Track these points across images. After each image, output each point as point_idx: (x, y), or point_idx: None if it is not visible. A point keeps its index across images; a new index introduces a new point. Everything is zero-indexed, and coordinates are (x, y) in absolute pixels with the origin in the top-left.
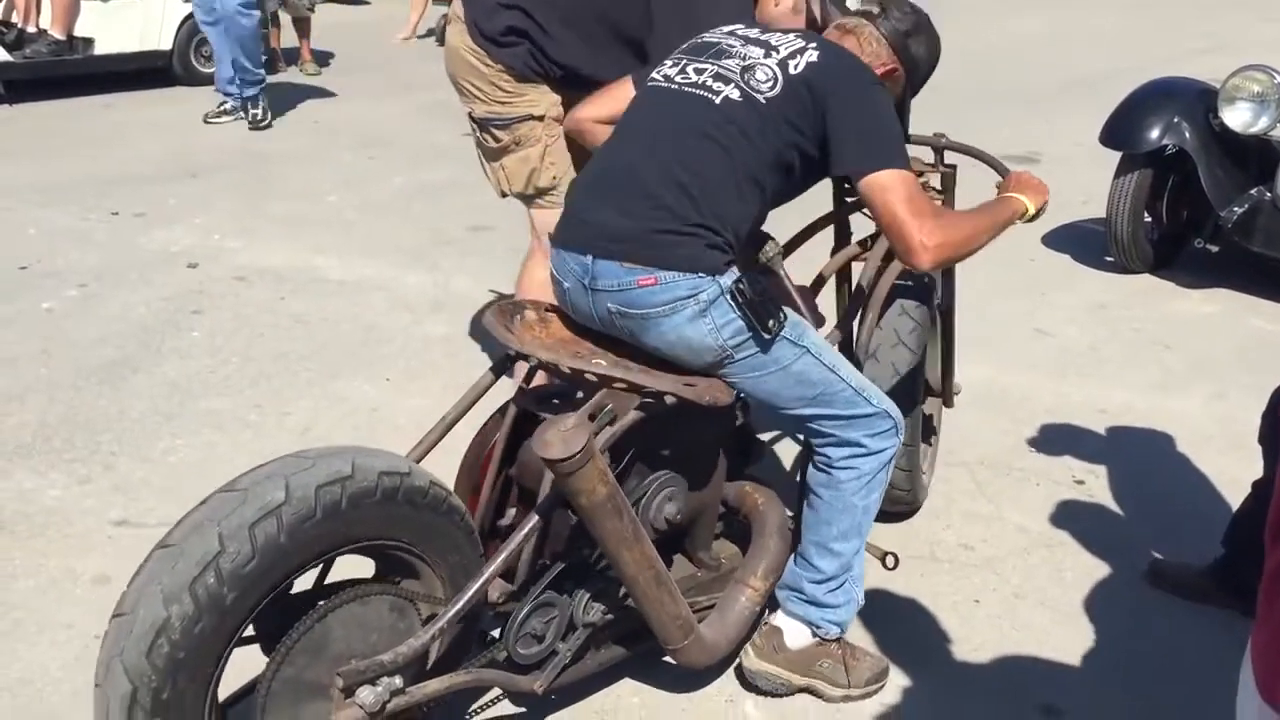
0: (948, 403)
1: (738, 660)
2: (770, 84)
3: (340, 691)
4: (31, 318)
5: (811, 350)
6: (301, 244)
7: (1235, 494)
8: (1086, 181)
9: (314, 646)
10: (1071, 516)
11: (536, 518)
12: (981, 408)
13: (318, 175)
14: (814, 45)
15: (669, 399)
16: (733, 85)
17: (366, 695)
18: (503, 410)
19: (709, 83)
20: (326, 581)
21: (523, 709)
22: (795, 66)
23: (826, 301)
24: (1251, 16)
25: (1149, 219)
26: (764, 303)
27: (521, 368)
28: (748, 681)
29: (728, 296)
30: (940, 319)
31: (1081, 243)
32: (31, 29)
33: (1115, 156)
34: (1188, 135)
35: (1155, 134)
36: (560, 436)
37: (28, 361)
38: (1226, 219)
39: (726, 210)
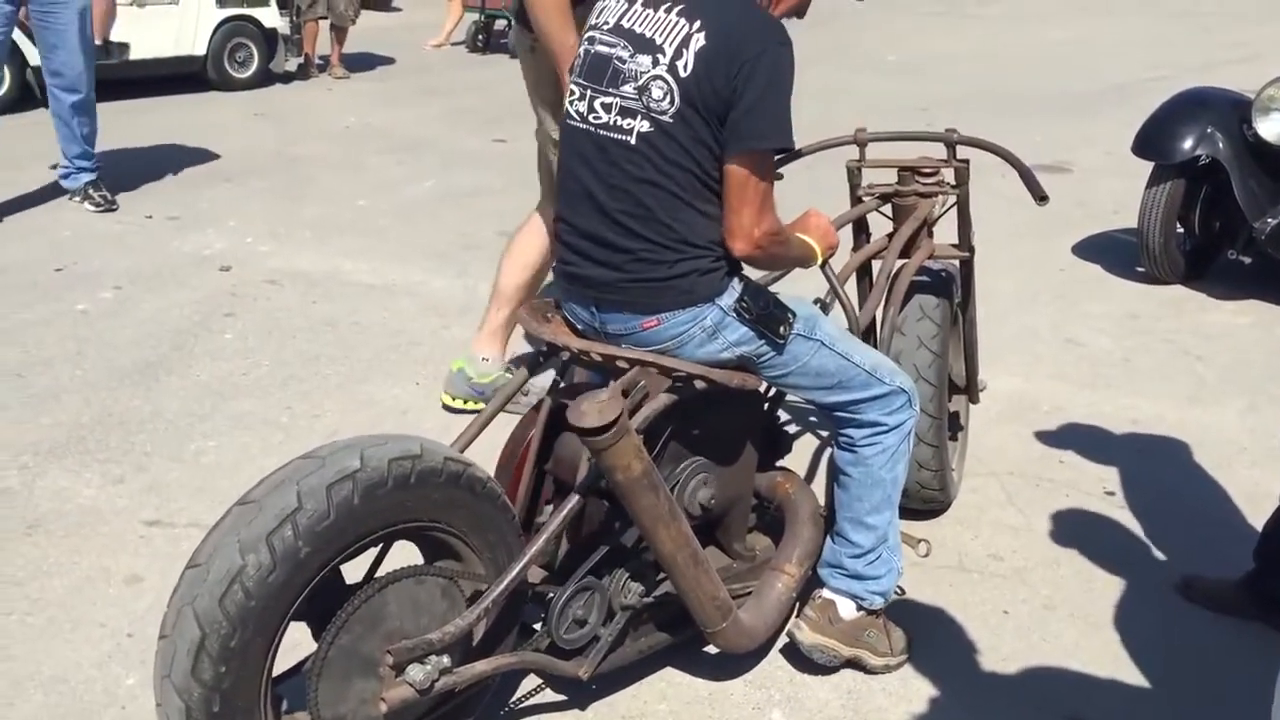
0: (973, 399)
1: (767, 659)
2: (667, 100)
3: (390, 669)
4: (67, 319)
5: (825, 342)
6: (332, 248)
7: (1267, 506)
8: (1118, 191)
9: (365, 624)
10: (1102, 528)
11: (577, 498)
12: (1012, 418)
13: (348, 180)
14: (698, 24)
15: (699, 383)
16: (639, 117)
17: (416, 673)
18: (537, 406)
19: (618, 121)
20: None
21: (549, 716)
22: (685, 66)
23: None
24: None
25: (1181, 230)
26: (770, 312)
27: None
28: (803, 656)
29: (733, 315)
30: (961, 316)
31: (1112, 253)
32: None
33: (1147, 166)
34: (1221, 146)
35: (1188, 144)
36: (595, 407)
37: (63, 362)
38: (1260, 230)
39: (697, 231)
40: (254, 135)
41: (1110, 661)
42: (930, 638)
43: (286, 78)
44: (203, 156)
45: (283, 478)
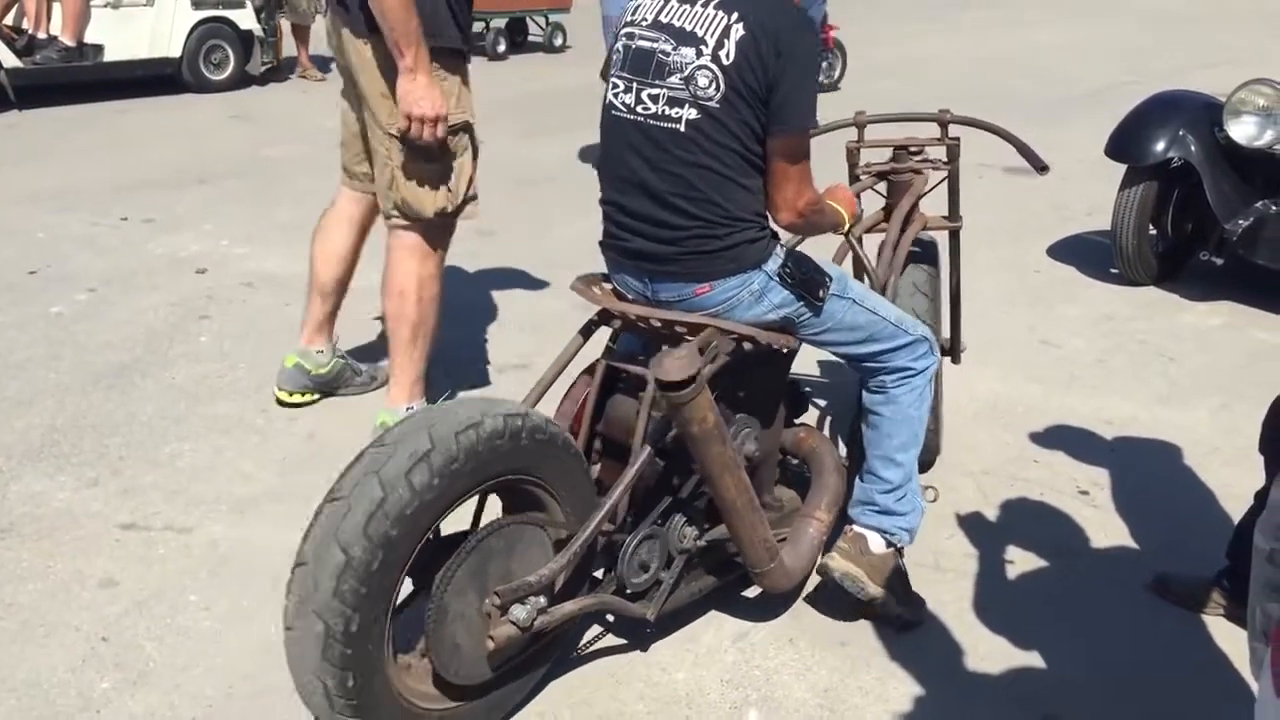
0: (955, 360)
1: (744, 658)
2: (713, 87)
3: (496, 609)
4: (41, 322)
5: (856, 299)
6: (308, 251)
7: (1239, 505)
8: (1091, 193)
9: (485, 556)
10: (1076, 527)
11: (648, 450)
12: (987, 418)
13: (324, 182)
14: (736, 16)
15: (747, 345)
16: (687, 105)
17: (519, 612)
18: (591, 369)
19: (666, 111)
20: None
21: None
22: (727, 55)
23: (846, 268)
24: (1263, 33)
25: (1154, 231)
26: (810, 276)
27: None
28: (835, 583)
29: (777, 280)
30: (945, 282)
31: (1086, 255)
32: (42, 35)
33: (1120, 169)
34: (1193, 148)
35: (1161, 147)
36: (676, 363)
37: (37, 365)
38: (1231, 232)
39: (743, 205)
40: (230, 137)
41: (1086, 660)
42: (906, 636)
43: (263, 79)
44: (178, 158)
45: (412, 426)
